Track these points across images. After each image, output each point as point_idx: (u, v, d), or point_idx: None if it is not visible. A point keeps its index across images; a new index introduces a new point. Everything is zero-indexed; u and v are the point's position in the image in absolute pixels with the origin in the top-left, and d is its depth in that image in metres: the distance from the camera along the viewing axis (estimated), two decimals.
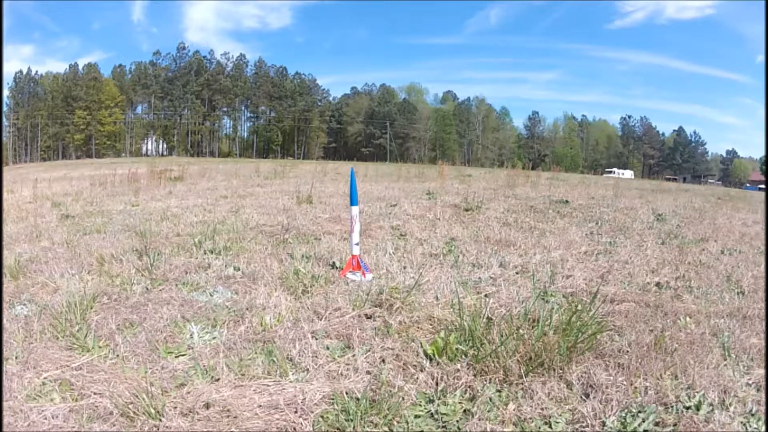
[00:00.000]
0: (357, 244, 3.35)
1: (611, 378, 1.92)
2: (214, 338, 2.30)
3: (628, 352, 2.15)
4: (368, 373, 2.00)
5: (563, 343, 2.01)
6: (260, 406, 1.74)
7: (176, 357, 2.13)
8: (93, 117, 73.17)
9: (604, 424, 1.66)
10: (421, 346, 2.17)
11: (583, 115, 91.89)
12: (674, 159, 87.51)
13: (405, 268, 3.54)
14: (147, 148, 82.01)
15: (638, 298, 2.99)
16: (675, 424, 1.66)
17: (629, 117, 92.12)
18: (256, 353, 2.15)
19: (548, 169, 32.66)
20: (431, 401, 1.79)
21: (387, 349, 2.19)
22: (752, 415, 1.72)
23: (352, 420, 1.65)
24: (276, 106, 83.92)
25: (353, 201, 3.42)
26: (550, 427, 1.66)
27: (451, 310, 2.53)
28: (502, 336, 2.09)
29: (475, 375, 1.93)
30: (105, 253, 3.83)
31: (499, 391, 1.86)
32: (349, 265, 3.34)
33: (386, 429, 1.64)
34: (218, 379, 1.92)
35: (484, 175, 16.35)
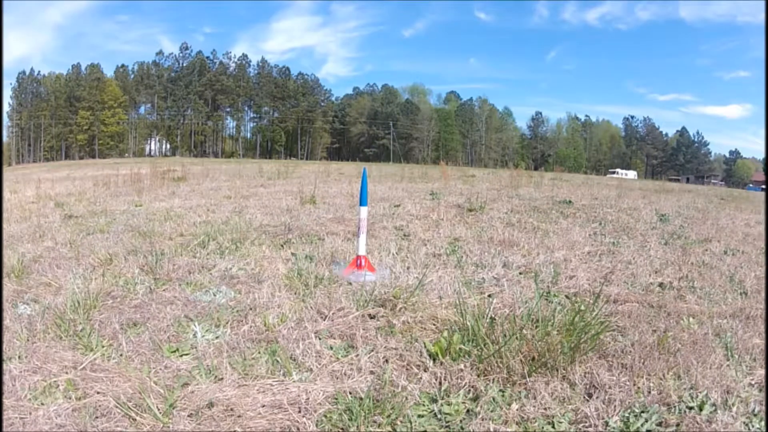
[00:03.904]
0: (365, 244, 3.30)
1: (614, 378, 1.92)
2: (217, 338, 2.31)
3: (631, 352, 2.14)
4: (372, 372, 2.00)
5: (566, 343, 2.01)
6: (264, 405, 1.75)
7: (180, 356, 2.13)
8: (96, 117, 73.43)
9: (607, 424, 1.66)
10: (425, 346, 2.17)
11: (587, 116, 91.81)
12: (677, 159, 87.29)
13: (408, 268, 3.55)
14: (150, 149, 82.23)
15: (641, 298, 2.99)
16: (678, 425, 1.66)
17: (632, 117, 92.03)
18: (259, 353, 2.16)
19: (551, 170, 32.68)
20: (434, 401, 1.79)
21: (390, 349, 2.19)
22: (755, 415, 1.72)
23: (355, 420, 1.66)
24: (279, 106, 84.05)
25: (363, 201, 3.32)
26: (553, 427, 1.66)
27: (455, 310, 2.53)
28: (505, 336, 2.09)
29: (478, 375, 1.94)
30: (108, 253, 3.85)
31: (503, 391, 1.86)
32: (353, 263, 3.32)
33: (389, 429, 1.64)
34: (222, 379, 1.93)
35: (488, 176, 16.32)
